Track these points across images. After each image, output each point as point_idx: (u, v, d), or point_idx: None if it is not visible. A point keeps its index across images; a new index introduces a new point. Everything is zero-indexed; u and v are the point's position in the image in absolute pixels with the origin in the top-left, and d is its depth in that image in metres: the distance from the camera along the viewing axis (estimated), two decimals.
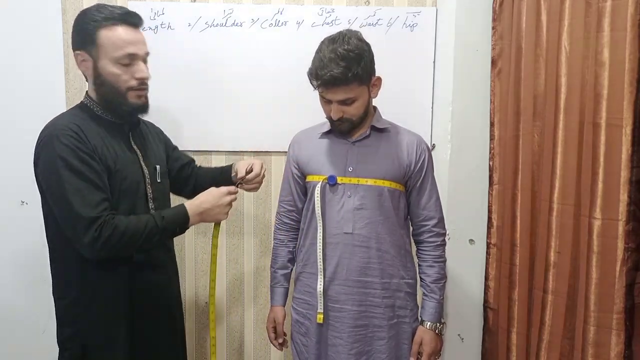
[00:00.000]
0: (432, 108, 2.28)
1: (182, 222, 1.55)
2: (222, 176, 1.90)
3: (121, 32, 1.52)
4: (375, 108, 1.74)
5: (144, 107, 1.60)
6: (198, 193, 1.73)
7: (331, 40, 1.55)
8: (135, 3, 2.19)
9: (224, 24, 2.18)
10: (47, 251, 1.66)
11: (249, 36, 2.20)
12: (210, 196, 1.59)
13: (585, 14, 1.72)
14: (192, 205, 1.58)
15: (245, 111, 2.26)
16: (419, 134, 1.78)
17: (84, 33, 1.53)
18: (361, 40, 1.57)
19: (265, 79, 2.23)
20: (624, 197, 1.59)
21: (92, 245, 1.42)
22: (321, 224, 1.66)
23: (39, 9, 2.19)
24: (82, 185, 1.42)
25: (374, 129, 1.71)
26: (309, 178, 1.76)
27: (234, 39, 2.21)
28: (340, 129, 1.67)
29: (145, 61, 1.59)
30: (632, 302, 1.60)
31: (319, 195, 1.67)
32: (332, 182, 1.67)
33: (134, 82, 1.55)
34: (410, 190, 1.73)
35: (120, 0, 2.25)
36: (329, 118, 1.66)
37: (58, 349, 1.63)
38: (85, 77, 1.62)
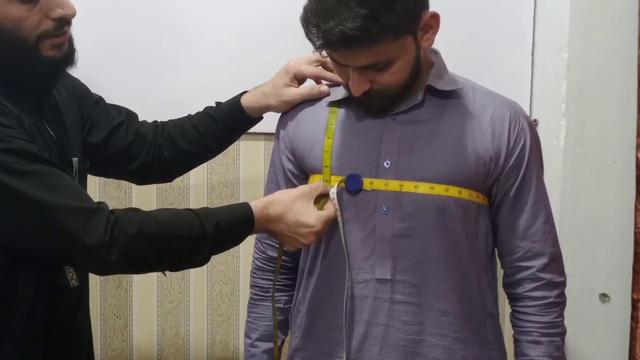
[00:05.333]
0: (531, 55, 1.94)
1: (243, 231, 1.32)
2: (226, 120, 1.60)
3: None
4: (436, 54, 1.42)
5: (67, 59, 1.34)
6: (173, 168, 1.60)
7: None
8: None
9: None
10: None
11: None
12: (294, 219, 1.33)
13: None
14: (263, 213, 1.32)
15: (197, 74, 1.96)
16: (514, 102, 1.43)
17: None
18: None
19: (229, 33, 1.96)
20: None
21: (103, 252, 1.20)
22: (347, 261, 1.36)
23: None
24: (52, 173, 1.25)
25: (431, 92, 1.35)
26: (314, 179, 1.41)
27: None
28: (369, 106, 1.36)
29: None
30: None
31: (337, 206, 1.35)
32: (353, 186, 1.34)
33: (48, 25, 1.29)
34: (500, 204, 1.39)
35: None
36: (347, 87, 1.37)
37: None
38: None
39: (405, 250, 1.35)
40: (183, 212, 1.28)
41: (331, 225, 1.35)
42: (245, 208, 1.29)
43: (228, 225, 1.26)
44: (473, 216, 1.38)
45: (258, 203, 1.29)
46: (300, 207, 1.31)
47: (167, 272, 1.39)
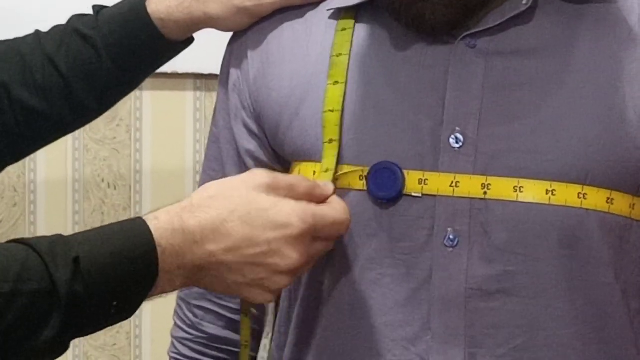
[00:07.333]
0: None
1: (136, 276, 0.70)
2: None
3: None
4: None
5: None
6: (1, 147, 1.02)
7: None
8: None
9: None
10: None
11: None
12: (244, 221, 0.73)
13: None
14: (178, 227, 0.71)
15: None
16: None
17: None
18: None
19: None
20: None
21: None
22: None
23: None
24: None
25: None
26: (301, 171, 0.92)
27: None
28: (420, 18, 0.87)
29: None
30: None
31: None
32: (385, 190, 0.87)
33: None
34: None
35: None
36: None
37: None
38: None
39: (494, 324, 0.88)
40: (5, 245, 0.79)
41: (336, 257, 0.87)
42: (137, 227, 0.75)
43: (102, 266, 0.73)
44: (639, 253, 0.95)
45: (162, 215, 0.75)
46: (254, 199, 0.77)
47: None
